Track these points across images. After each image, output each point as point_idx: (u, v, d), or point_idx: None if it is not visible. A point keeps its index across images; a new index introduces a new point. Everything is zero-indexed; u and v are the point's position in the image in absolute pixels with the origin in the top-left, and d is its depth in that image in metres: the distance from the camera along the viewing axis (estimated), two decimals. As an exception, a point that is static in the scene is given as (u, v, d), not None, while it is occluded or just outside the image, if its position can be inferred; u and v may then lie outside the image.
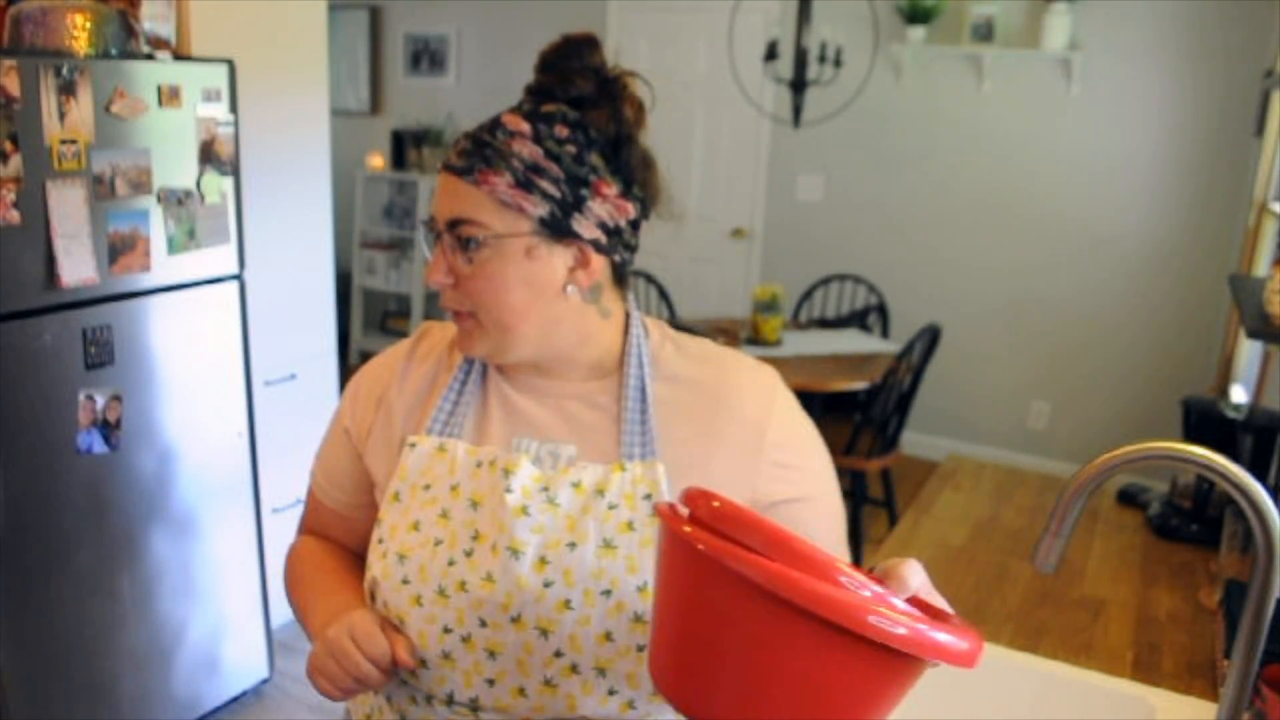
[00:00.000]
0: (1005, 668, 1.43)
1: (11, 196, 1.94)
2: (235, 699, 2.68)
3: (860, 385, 3.43)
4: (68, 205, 2.04)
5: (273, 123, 2.68)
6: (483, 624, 0.92)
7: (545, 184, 0.91)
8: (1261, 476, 1.88)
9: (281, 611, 2.93)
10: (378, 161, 5.74)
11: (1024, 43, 4.24)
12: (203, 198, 2.35)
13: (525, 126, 0.92)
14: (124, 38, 2.19)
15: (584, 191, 0.92)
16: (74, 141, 2.04)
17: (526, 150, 0.91)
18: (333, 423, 1.11)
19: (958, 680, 1.46)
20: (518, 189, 0.90)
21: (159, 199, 2.25)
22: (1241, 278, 2.26)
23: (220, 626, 2.58)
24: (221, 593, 2.56)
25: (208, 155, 2.35)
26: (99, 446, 2.19)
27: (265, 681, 2.76)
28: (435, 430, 1.00)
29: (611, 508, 0.93)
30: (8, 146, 1.92)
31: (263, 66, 2.60)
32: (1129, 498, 2.10)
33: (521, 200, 0.91)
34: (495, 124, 0.93)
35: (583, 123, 0.93)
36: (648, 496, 0.94)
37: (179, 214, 2.30)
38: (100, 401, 2.18)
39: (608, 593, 0.91)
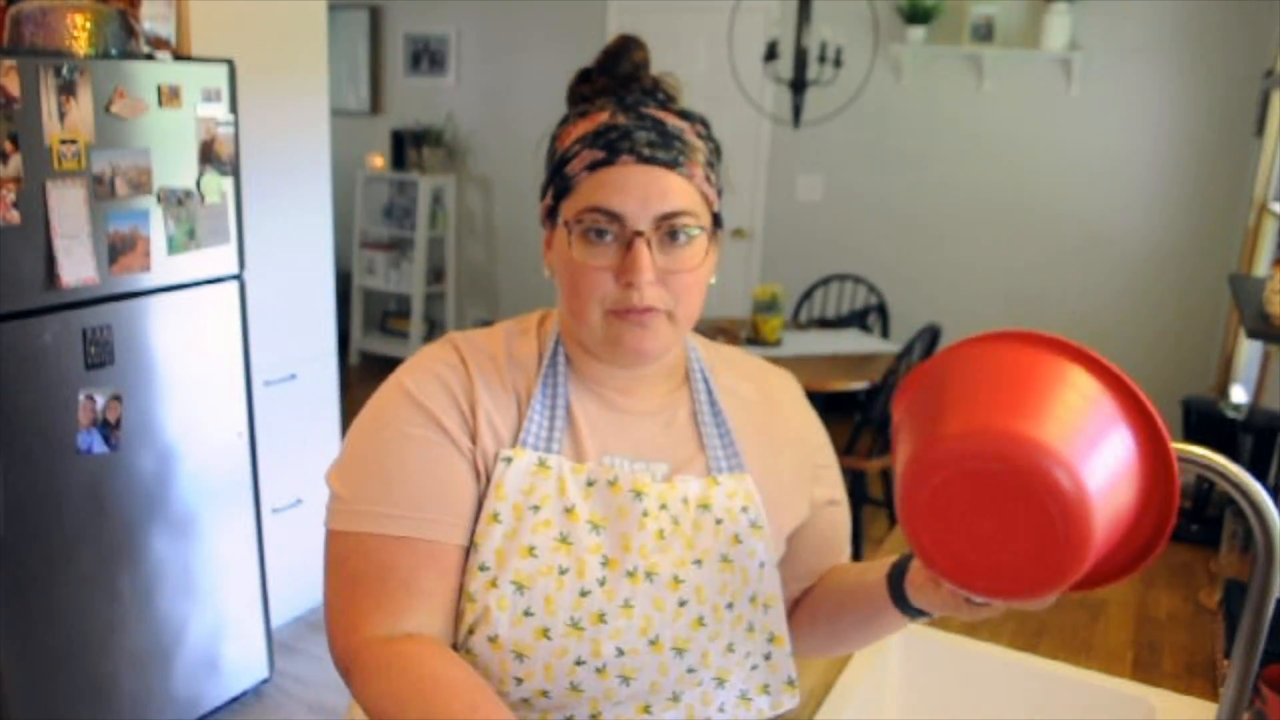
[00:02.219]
0: (1005, 668, 1.43)
1: (11, 196, 1.94)
2: (235, 699, 2.68)
3: (860, 385, 3.43)
4: (68, 205, 2.04)
5: (273, 123, 2.68)
6: (620, 653, 0.89)
7: (715, 177, 0.94)
8: (1261, 476, 1.87)
9: (281, 611, 2.94)
10: (378, 161, 5.74)
11: (1024, 43, 4.24)
12: (203, 198, 2.35)
13: (681, 123, 0.92)
14: (124, 38, 2.19)
15: (720, 183, 0.96)
16: (74, 141, 2.04)
17: (699, 143, 0.92)
18: (408, 440, 0.89)
19: (958, 680, 1.46)
20: (706, 182, 0.92)
21: (159, 199, 2.25)
22: (1241, 278, 2.25)
23: (220, 626, 2.58)
24: (221, 593, 2.56)
25: (208, 155, 2.35)
26: (99, 446, 2.19)
27: (265, 681, 2.76)
28: (530, 444, 0.91)
29: (718, 522, 0.94)
30: (8, 146, 1.92)
31: (263, 66, 2.60)
32: (1129, 498, 2.10)
33: (710, 193, 0.92)
34: (656, 120, 0.90)
35: (706, 124, 0.96)
36: (744, 509, 0.95)
37: (179, 214, 2.30)
38: (100, 401, 2.18)
39: (730, 605, 0.93)
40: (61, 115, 2.01)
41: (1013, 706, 1.42)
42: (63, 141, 2.02)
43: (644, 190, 0.86)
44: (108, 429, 2.21)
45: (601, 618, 0.88)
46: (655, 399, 0.98)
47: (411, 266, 5.71)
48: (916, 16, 4.35)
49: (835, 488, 1.07)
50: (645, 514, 0.90)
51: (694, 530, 0.93)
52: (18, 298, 2.01)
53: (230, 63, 2.38)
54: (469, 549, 0.89)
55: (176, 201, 2.29)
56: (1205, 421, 2.03)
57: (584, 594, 0.88)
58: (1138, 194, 4.18)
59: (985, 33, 4.28)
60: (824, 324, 4.26)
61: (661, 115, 0.91)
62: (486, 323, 6.29)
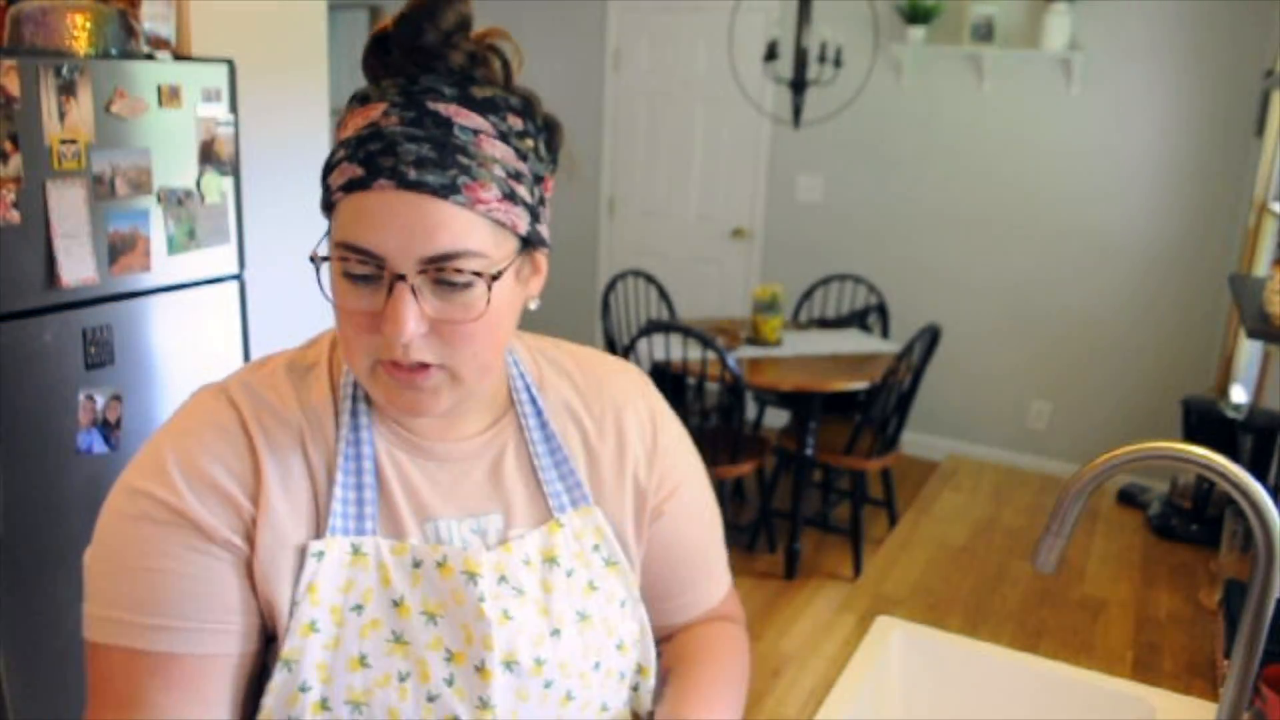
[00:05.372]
0: (1005, 668, 1.43)
1: (11, 196, 1.94)
2: (235, 699, 2.67)
3: (860, 385, 3.43)
4: (68, 205, 2.04)
5: (273, 123, 2.69)
6: None
7: (523, 191, 0.74)
8: (1261, 476, 1.88)
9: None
10: (378, 161, 5.74)
11: (1024, 43, 4.25)
12: (203, 198, 2.35)
13: (480, 120, 0.72)
14: (124, 38, 2.20)
15: (539, 190, 0.77)
16: (74, 141, 2.04)
17: (498, 152, 0.72)
18: (139, 535, 0.75)
19: (958, 680, 1.46)
20: (506, 202, 0.72)
21: (159, 199, 2.25)
22: (1241, 278, 2.26)
23: (220, 626, 2.57)
24: (221, 593, 2.56)
25: (208, 155, 2.35)
26: (99, 446, 2.19)
27: (265, 681, 2.76)
28: (340, 529, 0.77)
29: (569, 575, 0.83)
30: (8, 146, 1.92)
31: (263, 66, 2.60)
32: (1129, 498, 2.10)
33: (513, 217, 0.73)
34: (441, 120, 0.71)
35: (529, 110, 0.77)
36: (596, 548, 0.85)
37: (179, 214, 2.30)
38: (100, 401, 2.18)
39: (597, 665, 0.84)
40: (61, 115, 2.01)
41: (1013, 706, 1.42)
42: (63, 141, 2.02)
43: (406, 226, 0.69)
44: (108, 429, 2.21)
45: None
46: (476, 436, 0.84)
47: (411, 266, 5.71)
48: (916, 16, 4.35)
49: (677, 474, 0.92)
50: (482, 599, 0.77)
51: (544, 594, 0.81)
52: (18, 298, 2.01)
53: (230, 63, 2.38)
54: (274, 665, 0.76)
55: (176, 201, 2.29)
56: (1205, 421, 2.03)
57: (432, 699, 0.76)
58: (1138, 194, 4.18)
59: (985, 33, 4.28)
60: (824, 324, 4.26)
61: (452, 111, 0.71)
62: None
